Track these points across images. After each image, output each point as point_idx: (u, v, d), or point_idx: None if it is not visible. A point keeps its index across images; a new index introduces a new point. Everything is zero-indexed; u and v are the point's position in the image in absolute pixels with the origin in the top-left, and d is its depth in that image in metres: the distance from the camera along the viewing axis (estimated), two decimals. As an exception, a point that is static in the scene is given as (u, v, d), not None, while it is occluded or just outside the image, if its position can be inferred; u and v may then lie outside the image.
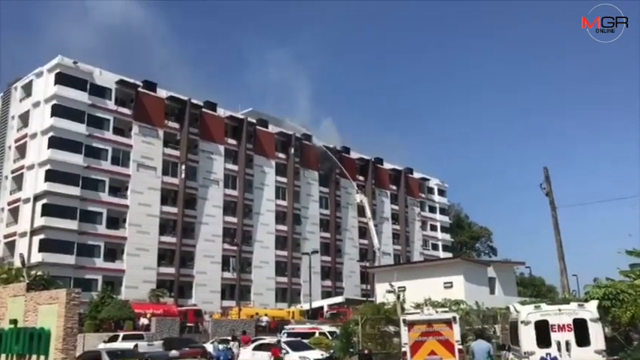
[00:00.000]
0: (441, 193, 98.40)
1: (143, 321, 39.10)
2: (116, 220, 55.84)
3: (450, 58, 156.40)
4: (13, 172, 56.37)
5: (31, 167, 53.57)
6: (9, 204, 55.57)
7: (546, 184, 27.65)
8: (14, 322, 19.14)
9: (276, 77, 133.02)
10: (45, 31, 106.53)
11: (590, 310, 13.70)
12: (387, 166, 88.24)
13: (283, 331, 34.92)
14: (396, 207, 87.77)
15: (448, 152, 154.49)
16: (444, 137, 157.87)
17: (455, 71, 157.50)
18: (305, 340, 28.00)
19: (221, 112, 68.21)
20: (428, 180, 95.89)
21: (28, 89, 57.44)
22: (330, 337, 29.61)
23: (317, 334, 30.94)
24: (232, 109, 71.24)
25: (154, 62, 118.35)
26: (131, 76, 59.57)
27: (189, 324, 43.15)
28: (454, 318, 18.11)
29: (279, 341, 26.27)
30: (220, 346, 26.75)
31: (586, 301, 15.85)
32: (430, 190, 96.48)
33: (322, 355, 25.32)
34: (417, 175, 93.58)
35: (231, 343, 29.51)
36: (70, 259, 50.43)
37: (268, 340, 28.69)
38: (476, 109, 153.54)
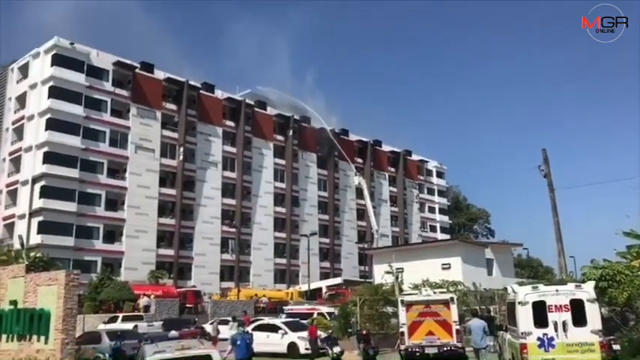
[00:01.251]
0: (440, 175, 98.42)
1: (144, 299, 39.21)
2: (115, 202, 55.88)
3: (450, 42, 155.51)
4: (10, 154, 56.25)
5: (29, 149, 53.40)
6: (7, 186, 55.53)
7: (545, 166, 27.62)
8: (14, 302, 19.23)
9: (274, 60, 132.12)
10: (22, 12, 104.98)
11: (587, 291, 13.78)
12: (385, 148, 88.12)
13: (282, 312, 35.11)
14: (395, 189, 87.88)
15: (447, 134, 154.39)
16: (443, 119, 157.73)
17: (455, 54, 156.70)
18: (304, 321, 28.13)
19: (219, 93, 67.90)
20: (426, 162, 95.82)
21: (24, 71, 57.05)
22: (328, 318, 29.75)
23: (315, 315, 31.11)
24: (230, 91, 70.94)
25: (147, 45, 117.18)
26: (127, 58, 59.16)
27: (188, 305, 43.38)
28: (452, 299, 18.29)
29: (313, 320, 26.14)
30: (238, 329, 19.18)
31: (583, 282, 15.93)
32: (429, 173, 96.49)
33: (321, 335, 25.45)
34: (415, 157, 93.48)
35: (230, 323, 29.47)
36: (69, 240, 50.52)
37: (267, 320, 28.82)
38: (475, 92, 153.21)
